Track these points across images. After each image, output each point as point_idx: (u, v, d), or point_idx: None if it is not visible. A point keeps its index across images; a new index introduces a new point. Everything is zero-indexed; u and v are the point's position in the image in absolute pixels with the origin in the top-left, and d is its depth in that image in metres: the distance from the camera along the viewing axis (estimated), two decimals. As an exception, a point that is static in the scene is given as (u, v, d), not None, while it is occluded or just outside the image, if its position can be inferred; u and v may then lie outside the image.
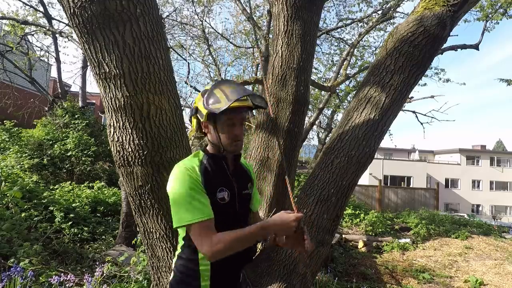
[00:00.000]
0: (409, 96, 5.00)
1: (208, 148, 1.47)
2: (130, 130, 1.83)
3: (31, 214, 4.85)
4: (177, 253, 1.47)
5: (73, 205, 5.84)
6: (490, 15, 7.36)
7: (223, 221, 1.33)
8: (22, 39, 9.67)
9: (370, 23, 8.92)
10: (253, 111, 1.73)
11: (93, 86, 31.61)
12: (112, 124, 1.87)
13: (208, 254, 1.25)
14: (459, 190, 31.38)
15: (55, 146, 8.63)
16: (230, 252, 1.27)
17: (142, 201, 1.96)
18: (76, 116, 9.82)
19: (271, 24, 8.05)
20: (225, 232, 1.27)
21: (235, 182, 1.46)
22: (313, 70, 9.61)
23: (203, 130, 1.45)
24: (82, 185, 7.44)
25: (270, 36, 8.11)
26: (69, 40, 8.89)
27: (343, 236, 9.40)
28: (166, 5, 10.60)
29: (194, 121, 1.47)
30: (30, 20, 9.49)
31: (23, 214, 4.60)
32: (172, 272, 1.46)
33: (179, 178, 1.32)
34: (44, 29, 9.67)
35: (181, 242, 1.45)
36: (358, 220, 10.95)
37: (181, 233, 1.42)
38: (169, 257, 2.02)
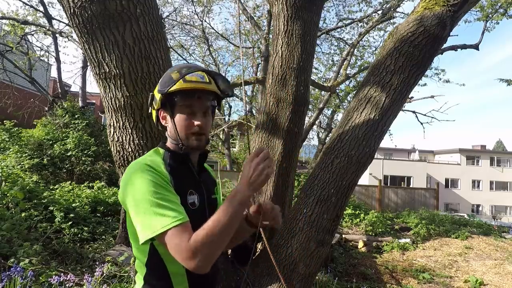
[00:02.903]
0: (409, 96, 5.00)
1: (168, 144, 1.20)
2: (130, 130, 1.83)
3: (31, 214, 4.85)
4: (139, 279, 1.15)
5: (73, 205, 5.83)
6: (490, 15, 7.36)
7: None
8: (22, 39, 9.68)
9: (370, 23, 8.93)
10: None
11: (93, 86, 31.63)
12: (112, 124, 1.88)
13: (193, 264, 0.96)
14: (459, 190, 31.38)
15: (55, 146, 8.63)
16: (217, 250, 1.00)
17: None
18: (76, 116, 9.82)
19: (271, 24, 8.05)
20: (198, 231, 0.98)
21: (203, 184, 1.23)
22: (313, 70, 9.60)
23: (162, 123, 1.20)
24: (82, 185, 7.43)
25: (270, 36, 8.11)
26: (69, 40, 8.91)
27: (343, 236, 9.40)
28: (166, 5, 10.61)
29: (153, 112, 1.22)
30: (30, 20, 9.50)
31: (23, 214, 4.60)
32: None
33: (142, 176, 1.03)
34: (44, 29, 9.67)
35: (142, 270, 1.13)
36: (358, 220, 10.94)
37: (142, 256, 1.11)
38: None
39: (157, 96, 1.15)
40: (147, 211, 0.98)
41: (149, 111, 1.26)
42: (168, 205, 1.00)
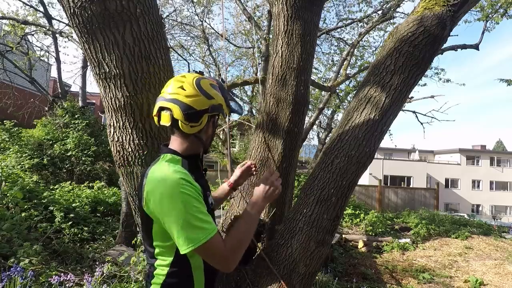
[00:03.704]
0: (409, 96, 5.00)
1: (180, 148, 1.28)
2: (130, 130, 1.83)
3: (31, 214, 4.85)
4: (159, 283, 1.24)
5: (73, 205, 5.84)
6: (490, 15, 7.36)
7: None
8: (22, 39, 9.67)
9: (370, 23, 8.93)
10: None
11: (93, 86, 31.60)
12: (112, 124, 1.87)
13: (227, 267, 1.17)
14: (459, 190, 31.38)
15: (55, 146, 8.63)
16: (242, 253, 1.21)
17: (139, 210, 1.96)
18: (76, 116, 9.82)
19: (271, 24, 8.05)
20: (228, 240, 1.19)
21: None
22: (313, 70, 9.61)
23: (200, 129, 1.26)
24: (82, 185, 7.44)
25: (270, 36, 8.12)
26: (69, 40, 8.90)
27: (343, 236, 9.40)
28: (166, 6, 10.61)
29: (205, 118, 1.26)
30: (30, 20, 9.49)
31: (23, 214, 4.60)
32: None
33: (180, 192, 1.11)
34: (44, 29, 9.67)
35: (165, 267, 1.24)
36: (358, 220, 10.95)
37: (169, 254, 1.22)
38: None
39: (226, 109, 1.32)
40: (187, 225, 1.10)
41: (197, 116, 1.26)
42: (203, 218, 1.13)
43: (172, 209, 1.10)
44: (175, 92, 1.22)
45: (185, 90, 1.21)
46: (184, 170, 1.19)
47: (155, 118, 1.28)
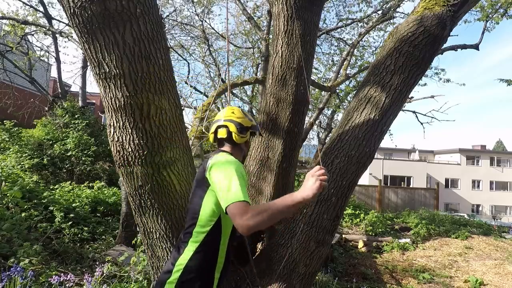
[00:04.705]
0: (409, 96, 5.00)
1: (233, 155, 1.70)
2: (130, 130, 1.83)
3: (31, 214, 4.85)
4: (189, 249, 1.55)
5: (73, 205, 5.83)
6: (490, 15, 7.36)
7: None
8: (22, 39, 9.66)
9: (370, 23, 8.92)
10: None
11: (93, 86, 31.60)
12: (112, 124, 1.87)
13: (246, 230, 1.31)
14: (459, 190, 31.37)
15: (55, 146, 8.62)
16: (264, 224, 1.32)
17: (142, 201, 1.96)
18: (76, 116, 9.81)
19: (271, 24, 8.05)
20: (260, 205, 1.38)
21: None
22: (313, 70, 9.61)
23: (240, 142, 1.77)
24: (82, 185, 7.43)
25: (270, 36, 8.11)
26: (69, 40, 8.89)
27: (343, 236, 9.40)
28: (166, 6, 10.59)
29: (248, 133, 1.83)
30: (30, 20, 9.48)
31: (23, 214, 4.59)
32: (179, 270, 1.52)
33: (238, 164, 1.52)
34: (44, 29, 9.66)
35: (199, 236, 1.55)
36: (358, 220, 10.94)
37: (207, 224, 1.55)
38: (169, 257, 2.02)
39: (256, 130, 1.87)
40: (234, 185, 1.41)
41: (227, 133, 1.79)
42: (245, 189, 1.43)
43: (229, 170, 1.47)
44: (229, 115, 1.79)
45: (235, 114, 1.80)
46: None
47: (211, 136, 1.82)
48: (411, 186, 26.56)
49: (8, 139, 8.75)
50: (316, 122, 12.09)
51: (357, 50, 9.98)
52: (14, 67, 10.38)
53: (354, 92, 8.01)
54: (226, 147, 1.78)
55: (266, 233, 2.11)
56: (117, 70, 1.71)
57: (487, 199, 31.36)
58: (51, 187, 6.79)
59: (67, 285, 2.88)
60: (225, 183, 1.42)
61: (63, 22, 10.12)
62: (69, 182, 7.49)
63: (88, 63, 1.86)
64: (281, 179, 2.54)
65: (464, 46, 7.33)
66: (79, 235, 5.13)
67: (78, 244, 4.95)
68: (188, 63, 12.64)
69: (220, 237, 1.56)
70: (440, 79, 9.50)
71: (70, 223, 5.11)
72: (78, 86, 11.37)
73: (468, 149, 33.95)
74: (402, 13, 10.03)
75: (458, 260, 8.53)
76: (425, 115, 10.48)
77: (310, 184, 1.36)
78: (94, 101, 19.53)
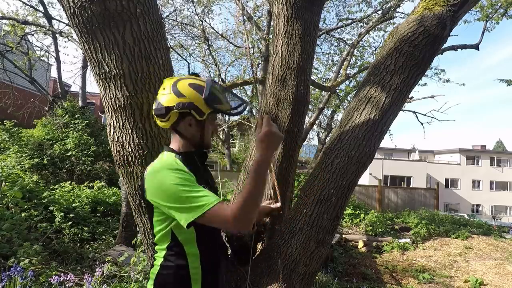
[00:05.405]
0: (409, 96, 5.00)
1: (176, 146, 1.39)
2: (130, 130, 1.83)
3: (31, 214, 4.85)
4: (156, 263, 1.35)
5: (73, 205, 5.83)
6: (490, 15, 7.36)
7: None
8: (22, 39, 9.66)
9: (370, 23, 8.93)
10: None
11: (93, 86, 31.56)
12: (112, 124, 1.87)
13: (238, 226, 1.19)
14: (459, 190, 31.38)
15: (55, 146, 8.63)
16: (254, 209, 1.20)
17: (142, 201, 1.96)
18: (76, 116, 9.81)
19: (271, 24, 8.05)
20: (235, 201, 1.26)
21: (210, 177, 1.49)
22: (313, 70, 9.61)
23: (182, 127, 1.35)
24: (82, 185, 7.43)
25: (270, 36, 8.12)
26: (69, 40, 8.90)
27: (343, 236, 9.40)
28: (167, 5, 10.60)
29: (175, 115, 1.32)
30: (30, 20, 9.49)
31: (23, 214, 4.60)
32: (151, 284, 1.34)
33: (174, 172, 1.22)
34: (44, 29, 9.67)
35: (162, 252, 1.34)
36: (358, 220, 10.94)
37: (166, 240, 1.32)
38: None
39: (203, 107, 1.31)
40: (190, 199, 1.18)
41: (164, 112, 1.34)
42: (205, 192, 1.20)
43: (171, 184, 1.20)
44: (159, 92, 1.36)
45: (164, 89, 1.33)
46: (177, 161, 1.30)
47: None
48: (411, 186, 26.56)
49: (8, 139, 8.75)
50: (316, 122, 12.09)
51: (357, 50, 9.99)
52: (14, 67, 10.38)
53: (354, 92, 8.01)
54: (172, 140, 1.42)
55: (266, 233, 2.11)
56: (117, 70, 1.72)
57: (487, 199, 31.37)
58: (51, 187, 6.79)
59: (67, 285, 2.88)
60: (177, 206, 1.19)
61: (63, 22, 10.13)
62: (69, 182, 7.49)
63: (88, 63, 1.86)
64: (281, 179, 2.53)
65: (464, 46, 7.34)
66: (79, 235, 5.13)
67: (78, 244, 4.95)
68: (188, 63, 12.64)
69: (183, 250, 1.32)
70: (440, 79, 9.53)
71: (70, 223, 5.12)
72: (78, 86, 11.38)
73: (468, 149, 33.97)
74: (402, 13, 10.04)
75: (458, 260, 8.53)
76: (425, 115, 10.50)
77: (258, 141, 1.27)
78: (94, 101, 19.54)
